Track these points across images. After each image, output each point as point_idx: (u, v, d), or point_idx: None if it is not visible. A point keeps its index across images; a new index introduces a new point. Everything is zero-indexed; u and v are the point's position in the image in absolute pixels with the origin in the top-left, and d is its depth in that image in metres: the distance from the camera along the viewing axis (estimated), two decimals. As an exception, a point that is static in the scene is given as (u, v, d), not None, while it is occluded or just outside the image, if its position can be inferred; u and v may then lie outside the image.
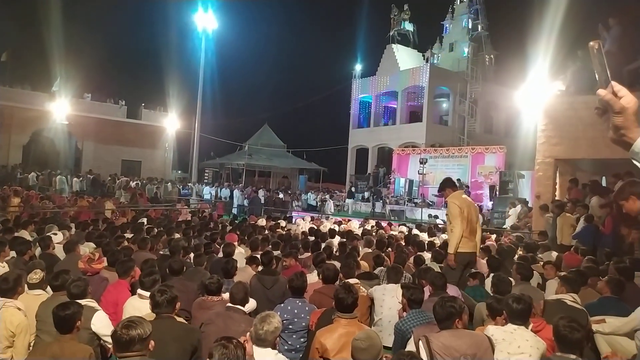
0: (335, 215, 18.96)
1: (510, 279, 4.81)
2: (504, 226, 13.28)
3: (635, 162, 1.26)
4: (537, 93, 11.49)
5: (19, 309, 3.60)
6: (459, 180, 20.37)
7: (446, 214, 5.66)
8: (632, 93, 1.29)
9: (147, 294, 3.81)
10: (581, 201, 8.90)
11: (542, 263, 6.24)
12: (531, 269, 5.29)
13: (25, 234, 7.34)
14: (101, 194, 19.69)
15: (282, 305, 4.12)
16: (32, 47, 28.60)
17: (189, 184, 25.82)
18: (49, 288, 4.10)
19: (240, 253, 6.78)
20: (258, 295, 4.58)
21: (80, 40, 31.07)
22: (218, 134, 33.04)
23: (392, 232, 10.50)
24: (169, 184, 24.67)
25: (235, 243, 7.20)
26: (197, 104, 29.28)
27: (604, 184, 10.83)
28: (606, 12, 10.50)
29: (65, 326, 3.07)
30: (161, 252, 6.68)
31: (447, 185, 5.74)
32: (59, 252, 6.08)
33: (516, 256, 7.01)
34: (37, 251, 6.22)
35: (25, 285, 4.04)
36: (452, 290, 4.57)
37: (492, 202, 17.77)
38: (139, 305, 3.87)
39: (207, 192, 23.04)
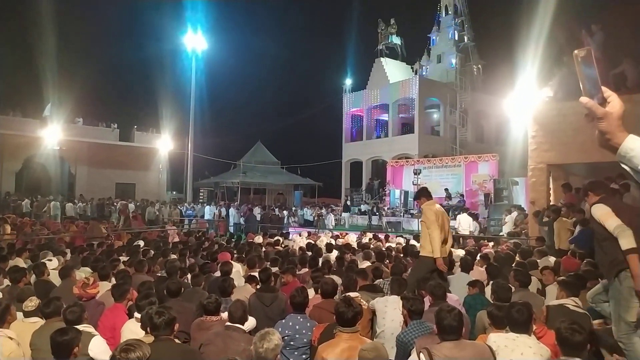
0: (332, 229, 18.92)
1: (510, 286, 4.81)
2: (501, 233, 13.30)
3: (623, 165, 1.28)
4: (526, 100, 11.65)
5: (11, 338, 3.54)
6: (446, 189, 20.52)
7: (422, 221, 5.81)
8: (619, 97, 1.31)
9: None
10: (576, 205, 8.95)
11: (540, 268, 6.25)
12: (529, 275, 5.29)
13: (19, 262, 7.27)
14: (103, 218, 19.55)
15: (283, 321, 4.09)
16: (22, 73, 28.69)
17: (193, 205, 25.60)
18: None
19: (237, 271, 6.74)
20: (257, 313, 4.54)
21: (71, 64, 31.20)
22: (211, 153, 33.10)
23: (389, 244, 10.48)
24: (169, 205, 24.54)
25: (231, 261, 7.16)
26: (190, 124, 29.36)
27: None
28: (589, 18, 10.71)
29: (63, 352, 3.02)
30: (158, 274, 6.63)
31: (423, 194, 5.94)
32: (55, 278, 6.01)
33: (514, 263, 7.02)
34: (33, 278, 6.16)
35: (21, 314, 3.99)
36: (452, 300, 4.56)
37: (487, 210, 17.81)
38: (136, 329, 3.82)
39: (209, 212, 22.82)
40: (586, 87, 1.29)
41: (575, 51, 1.30)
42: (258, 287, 5.31)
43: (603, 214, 3.77)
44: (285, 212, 23.32)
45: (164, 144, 29.70)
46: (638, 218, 3.70)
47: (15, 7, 32.80)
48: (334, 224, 21.38)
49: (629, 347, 3.57)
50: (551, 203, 10.61)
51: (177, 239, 12.55)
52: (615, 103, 1.27)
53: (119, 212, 19.25)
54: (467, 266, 6.13)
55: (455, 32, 31.41)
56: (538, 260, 7.04)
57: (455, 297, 4.90)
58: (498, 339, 3.22)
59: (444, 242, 5.61)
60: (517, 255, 7.71)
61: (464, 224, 14.46)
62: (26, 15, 29.99)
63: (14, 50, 30.55)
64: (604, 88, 1.27)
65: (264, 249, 9.47)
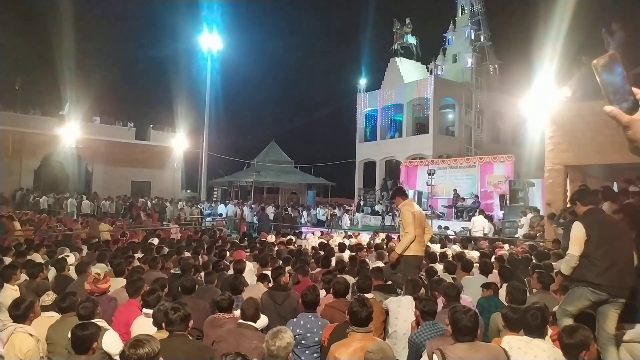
0: (347, 229, 18.91)
1: (525, 288, 4.75)
2: (516, 235, 13.13)
3: None
4: (543, 100, 11.47)
5: (31, 335, 3.59)
6: (455, 190, 20.40)
7: (399, 221, 6.07)
8: None
9: (151, 311, 3.81)
10: (593, 207, 8.79)
11: (555, 272, 6.15)
12: (552, 277, 5.21)
13: (37, 257, 7.40)
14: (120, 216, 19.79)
15: (294, 320, 4.09)
16: (42, 73, 29.23)
17: (211, 204, 25.69)
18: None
19: (250, 270, 6.77)
20: (269, 312, 4.55)
21: (89, 64, 31.72)
22: (225, 152, 33.33)
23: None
24: (190, 204, 24.74)
25: (244, 260, 7.20)
26: (205, 123, 29.60)
27: (615, 189, 10.70)
28: (610, 17, 10.51)
29: (82, 347, 3.07)
30: (172, 271, 6.69)
31: (398, 194, 6.20)
32: (74, 273, 6.12)
33: (530, 265, 6.92)
34: (52, 273, 6.27)
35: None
36: (466, 301, 4.52)
37: (503, 212, 17.61)
38: (145, 324, 3.86)
39: (231, 210, 22.87)
40: (610, 95, 1.25)
41: (594, 61, 1.25)
42: (270, 285, 5.33)
43: (574, 236, 3.98)
44: (303, 212, 23.46)
45: (179, 142, 30.00)
46: (615, 240, 3.84)
47: (35, 8, 33.44)
48: (348, 225, 21.35)
49: (604, 356, 3.76)
50: (567, 205, 10.44)
51: (179, 236, 12.56)
52: None
53: (132, 209, 19.49)
54: (486, 268, 6.07)
55: (472, 31, 31.08)
56: (554, 263, 6.93)
57: (469, 298, 4.85)
58: (512, 341, 3.19)
59: (422, 238, 5.90)
60: (534, 257, 7.60)
61: (478, 225, 14.30)
62: (46, 15, 30.60)
63: (34, 49, 31.16)
64: (635, 90, 1.23)
65: (276, 248, 9.50)
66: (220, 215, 22.41)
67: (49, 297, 4.16)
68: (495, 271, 6.43)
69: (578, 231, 3.95)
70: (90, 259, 7.23)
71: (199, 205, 24.67)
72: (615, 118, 1.25)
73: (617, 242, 3.84)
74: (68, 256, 6.95)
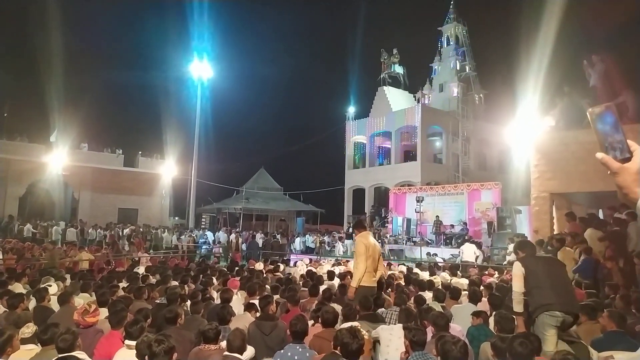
0: (341, 257, 18.73)
1: (513, 316, 4.74)
2: (504, 262, 13.16)
3: None
4: (528, 129, 11.71)
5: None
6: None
7: (353, 251, 6.43)
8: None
9: (134, 343, 3.71)
10: (580, 235, 8.88)
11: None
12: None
13: (18, 287, 7.21)
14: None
15: (281, 351, 4.01)
16: (30, 100, 29.17)
17: (201, 231, 25.30)
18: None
19: (237, 299, 6.66)
20: (256, 342, 4.46)
21: (78, 91, 31.72)
22: (215, 179, 33.20)
23: (391, 272, 10.36)
24: (179, 232, 24.39)
25: (235, 290, 7.10)
26: (194, 150, 29.57)
27: (601, 216, 10.84)
28: (590, 49, 10.86)
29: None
30: (157, 301, 6.55)
31: (357, 226, 6.56)
32: (55, 303, 5.95)
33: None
34: (32, 303, 6.09)
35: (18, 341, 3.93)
36: (455, 330, 4.48)
37: (491, 239, 17.67)
38: (128, 357, 3.74)
39: (211, 237, 22.59)
40: (603, 143, 1.27)
41: (590, 109, 1.29)
42: (258, 315, 5.24)
43: (514, 274, 4.67)
44: (296, 238, 23.34)
45: (167, 169, 29.86)
46: (551, 268, 4.58)
47: (24, 35, 33.63)
48: (341, 253, 21.13)
49: None
50: (554, 232, 10.53)
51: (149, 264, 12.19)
52: (636, 157, 1.25)
53: (109, 238, 19.19)
54: (475, 297, 6.04)
55: (457, 62, 31.91)
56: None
57: (458, 327, 4.82)
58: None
59: (375, 270, 6.14)
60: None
61: (468, 252, 14.34)
62: (34, 42, 30.73)
63: (22, 76, 31.15)
64: (630, 142, 1.25)
65: (264, 276, 9.37)
66: (214, 242, 22.12)
67: (29, 329, 4.04)
68: (484, 299, 6.42)
69: (517, 270, 4.59)
70: (73, 288, 7.06)
71: (192, 233, 24.34)
72: (606, 165, 1.27)
73: (552, 269, 4.55)
74: (50, 285, 6.78)
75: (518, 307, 4.52)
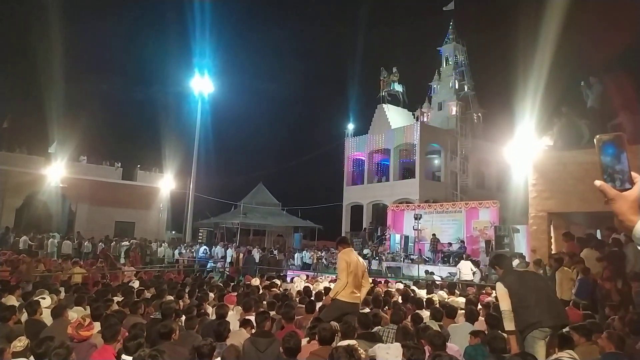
0: (333, 273, 18.62)
1: (504, 335, 4.71)
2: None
3: (638, 247, 1.28)
4: (526, 149, 11.75)
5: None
6: (433, 235, 20.48)
7: (335, 268, 6.54)
8: None
9: (131, 358, 3.66)
10: (578, 255, 8.86)
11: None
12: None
13: (11, 299, 7.12)
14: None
15: (276, 369, 3.96)
16: (31, 112, 29.29)
17: (206, 247, 24.97)
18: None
19: (233, 315, 6.59)
20: (251, 359, 4.40)
21: (78, 104, 31.91)
22: (213, 194, 33.16)
23: (388, 289, 10.29)
24: (173, 246, 24.22)
25: (231, 305, 7.04)
26: (193, 165, 29.58)
27: (599, 236, 10.82)
28: (587, 71, 10.99)
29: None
30: (152, 316, 6.48)
31: (340, 243, 6.72)
32: (47, 317, 5.87)
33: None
34: (25, 317, 6.02)
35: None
36: (452, 350, 4.43)
37: (489, 257, 17.58)
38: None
39: (220, 253, 22.34)
40: (604, 170, 1.29)
41: (598, 136, 1.30)
42: (253, 331, 5.18)
43: (499, 295, 4.75)
44: (295, 254, 23.23)
45: (166, 183, 29.82)
46: (533, 283, 4.71)
47: (25, 47, 33.93)
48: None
49: None
50: (552, 251, 10.50)
51: (134, 280, 11.93)
52: (635, 187, 1.26)
53: (100, 253, 19.02)
54: (472, 316, 6.00)
55: (456, 81, 32.23)
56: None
57: (456, 347, 4.77)
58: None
59: (357, 287, 6.21)
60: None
61: (465, 270, 14.28)
62: (36, 54, 30.98)
63: (22, 88, 31.34)
64: (634, 174, 1.26)
65: (261, 292, 9.30)
66: (219, 257, 21.88)
67: (21, 343, 3.98)
68: (482, 319, 6.36)
69: (500, 290, 4.68)
70: (68, 301, 6.99)
71: (192, 248, 24.13)
72: (603, 192, 1.28)
73: (533, 284, 4.65)
74: (44, 298, 6.71)
75: (509, 325, 4.51)
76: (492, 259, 5.61)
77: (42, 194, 25.14)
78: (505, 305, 4.58)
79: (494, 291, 10.68)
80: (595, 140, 1.30)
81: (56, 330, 4.85)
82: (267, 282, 10.98)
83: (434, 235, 20.80)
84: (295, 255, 23.32)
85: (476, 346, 5.02)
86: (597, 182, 1.30)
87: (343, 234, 30.71)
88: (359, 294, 6.26)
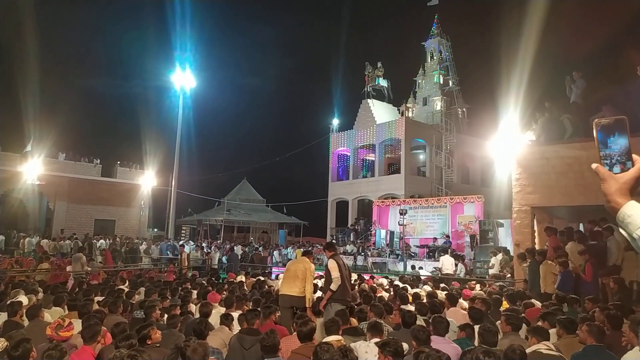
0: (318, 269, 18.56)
1: (497, 330, 4.69)
2: (487, 276, 13.20)
3: (621, 230, 1.26)
4: (509, 143, 11.81)
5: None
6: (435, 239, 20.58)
7: (326, 272, 6.85)
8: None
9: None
10: (562, 248, 8.93)
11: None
12: (520, 319, 5.19)
13: (-14, 300, 6.89)
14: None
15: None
16: (6, 108, 28.55)
17: (196, 244, 24.42)
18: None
19: (218, 313, 6.47)
20: (235, 356, 4.31)
21: (56, 100, 31.21)
22: (195, 190, 32.78)
23: (373, 285, 10.27)
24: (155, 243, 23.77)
25: (216, 303, 6.93)
26: (175, 161, 29.14)
27: (582, 229, 10.95)
28: (571, 65, 11.07)
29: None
30: (133, 315, 6.33)
31: (328, 248, 7.19)
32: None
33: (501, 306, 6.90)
34: (2, 318, 5.80)
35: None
36: (443, 343, 4.39)
37: (473, 252, 17.74)
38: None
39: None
40: (600, 153, 1.29)
41: (596, 119, 1.29)
42: (232, 326, 5.10)
43: (331, 267, 6.37)
44: (274, 252, 22.87)
45: (147, 180, 29.35)
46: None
47: None
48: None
49: None
50: (536, 245, 10.58)
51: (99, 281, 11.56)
52: (632, 169, 1.25)
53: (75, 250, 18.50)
54: (435, 309, 6.07)
55: (441, 76, 32.35)
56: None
57: (445, 340, 4.73)
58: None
59: (347, 288, 6.69)
60: (505, 298, 7.59)
61: (447, 264, 14.39)
62: (11, 50, 30.19)
63: (-1, 84, 30.51)
64: (635, 156, 1.25)
65: (248, 290, 9.20)
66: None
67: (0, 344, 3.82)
68: (462, 312, 6.38)
69: (332, 263, 6.56)
70: (46, 302, 6.78)
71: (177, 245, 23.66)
72: (598, 172, 1.29)
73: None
74: (18, 299, 6.48)
75: (335, 285, 6.13)
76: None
77: (19, 192, 24.54)
78: (335, 272, 6.22)
79: (477, 285, 10.78)
80: (595, 123, 1.28)
81: (32, 332, 4.68)
82: (253, 279, 10.87)
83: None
84: (275, 252, 23.00)
85: (462, 340, 5.00)
86: (594, 165, 1.30)
87: (328, 230, 30.73)
88: (350, 293, 6.82)
